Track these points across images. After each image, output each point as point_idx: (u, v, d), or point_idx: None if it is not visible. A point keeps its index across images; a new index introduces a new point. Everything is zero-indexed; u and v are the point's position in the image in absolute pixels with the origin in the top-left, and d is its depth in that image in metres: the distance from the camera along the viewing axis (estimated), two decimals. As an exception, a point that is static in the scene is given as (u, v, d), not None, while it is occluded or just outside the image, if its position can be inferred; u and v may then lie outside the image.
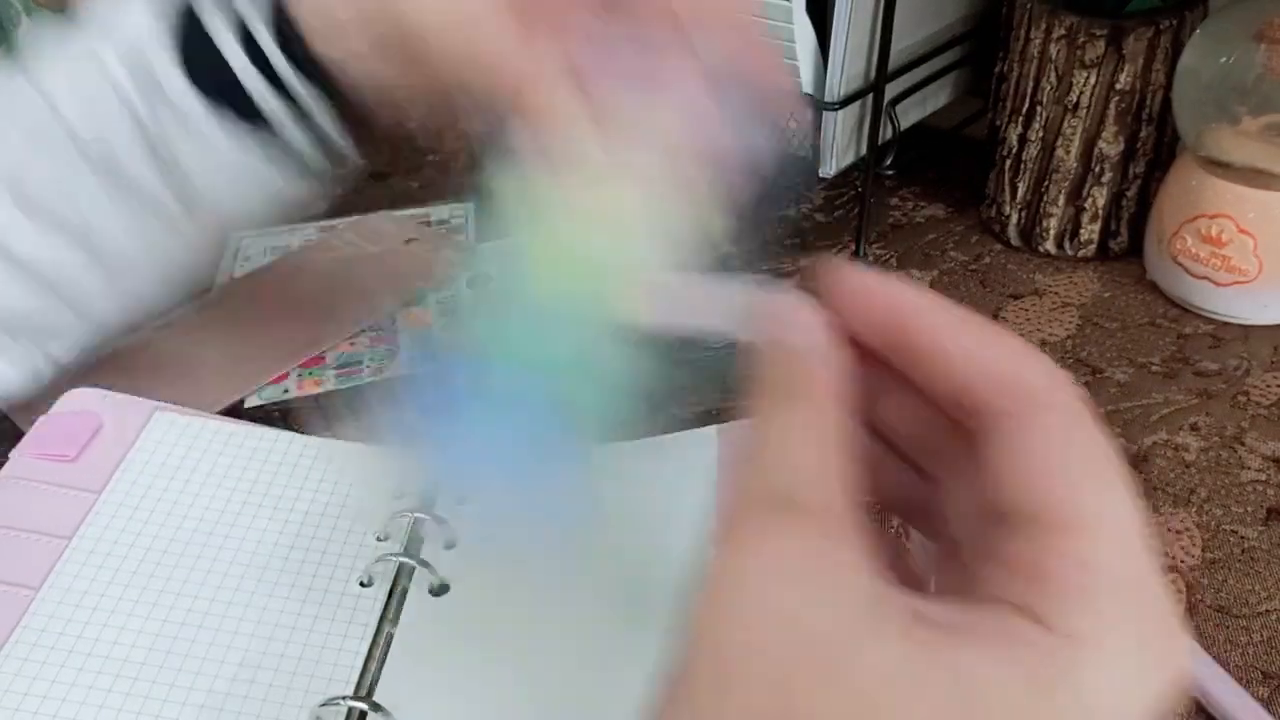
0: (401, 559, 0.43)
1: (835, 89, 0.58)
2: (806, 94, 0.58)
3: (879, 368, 0.21)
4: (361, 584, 0.43)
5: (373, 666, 0.40)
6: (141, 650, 0.40)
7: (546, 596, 0.42)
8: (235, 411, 0.55)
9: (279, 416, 0.55)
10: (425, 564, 0.43)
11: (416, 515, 0.45)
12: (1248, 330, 0.58)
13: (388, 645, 0.41)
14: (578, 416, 0.29)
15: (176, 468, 0.47)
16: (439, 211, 0.71)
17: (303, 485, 0.47)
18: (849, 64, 0.57)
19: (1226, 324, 0.59)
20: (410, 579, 0.43)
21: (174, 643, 0.40)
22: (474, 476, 0.32)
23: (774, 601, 0.18)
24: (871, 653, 0.17)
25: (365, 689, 0.39)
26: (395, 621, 0.42)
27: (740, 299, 0.25)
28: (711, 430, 0.47)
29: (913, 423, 0.22)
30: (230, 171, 0.44)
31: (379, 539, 0.45)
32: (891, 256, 0.65)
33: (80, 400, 0.50)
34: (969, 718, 0.17)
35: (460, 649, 0.41)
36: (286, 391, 0.56)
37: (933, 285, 0.63)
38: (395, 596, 0.43)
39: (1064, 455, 0.19)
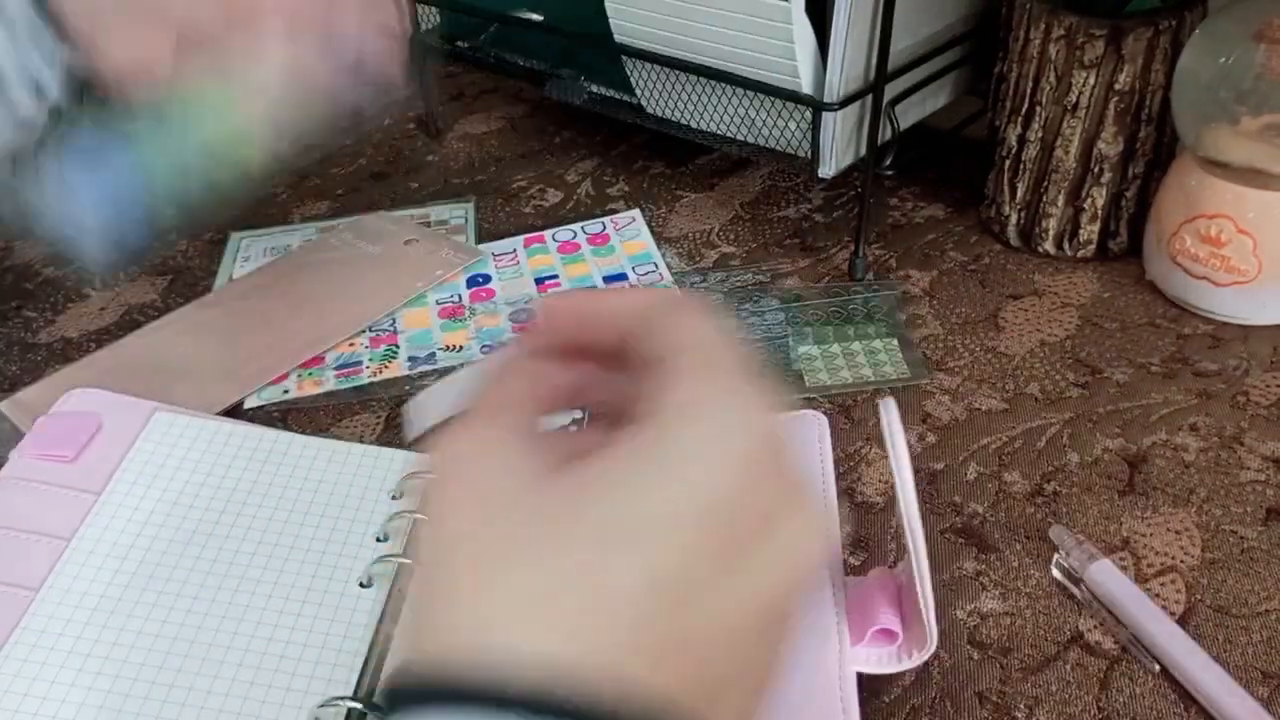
0: (402, 560, 0.43)
1: (835, 89, 0.58)
2: (806, 94, 0.58)
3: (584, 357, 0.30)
4: (361, 585, 0.43)
5: (371, 667, 0.40)
6: (141, 651, 0.40)
7: None
8: (235, 412, 0.55)
9: (279, 417, 0.55)
10: None
11: (416, 516, 0.45)
12: (1247, 330, 0.58)
13: (387, 646, 0.41)
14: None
15: (176, 468, 0.47)
16: (439, 211, 0.72)
17: (302, 485, 0.47)
18: (848, 64, 0.57)
19: (1226, 324, 0.59)
20: (410, 580, 0.43)
21: (173, 643, 0.40)
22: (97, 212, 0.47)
23: (456, 463, 0.27)
24: (506, 479, 0.25)
25: (364, 690, 0.39)
26: (395, 622, 0.42)
27: (467, 376, 0.33)
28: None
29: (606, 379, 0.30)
30: None
31: (379, 539, 0.45)
32: (891, 257, 0.65)
33: (80, 401, 0.50)
34: (581, 503, 0.23)
35: None
36: (286, 392, 0.56)
37: (932, 285, 0.63)
38: (395, 597, 0.43)
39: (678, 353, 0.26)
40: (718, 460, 0.24)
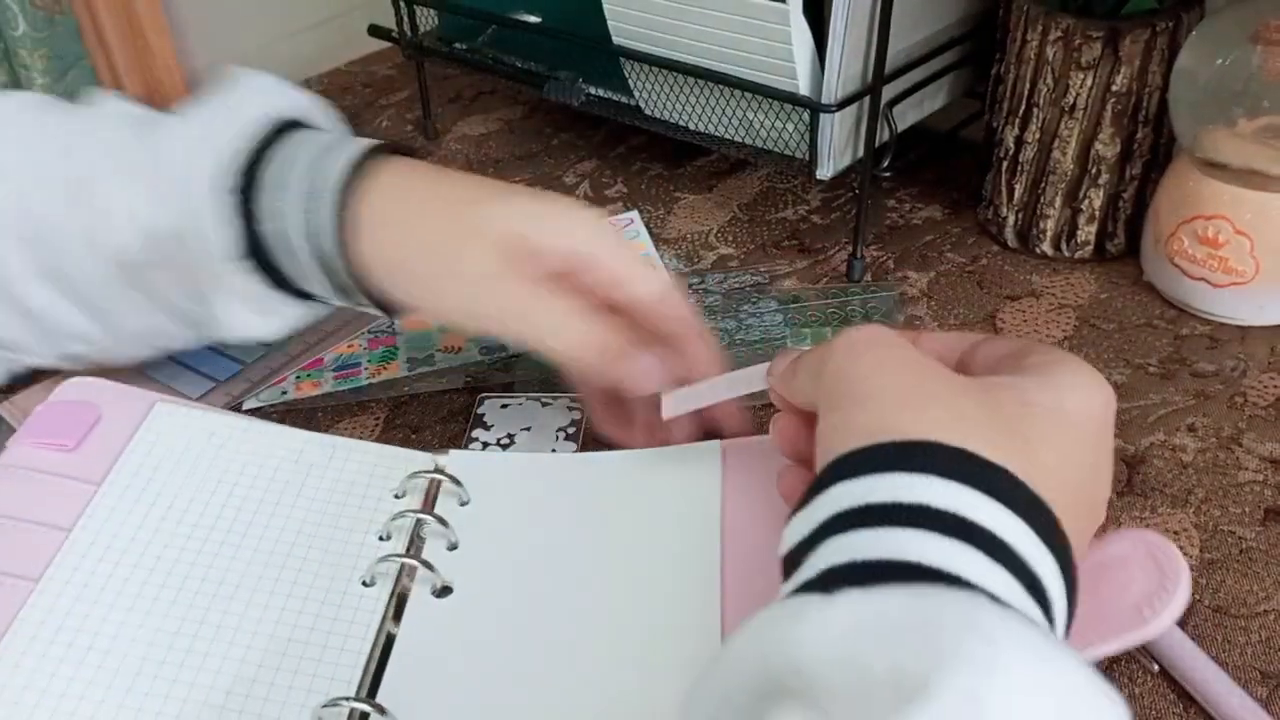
0: (404, 559, 0.43)
1: (832, 91, 0.58)
2: (804, 96, 0.59)
3: None
4: (364, 584, 0.43)
5: (374, 667, 0.40)
6: (141, 645, 0.39)
7: (549, 600, 0.42)
8: (234, 412, 0.55)
9: (277, 418, 0.55)
10: (428, 565, 0.43)
11: (419, 516, 0.45)
12: (1245, 331, 0.58)
13: (389, 646, 0.41)
14: None
15: (178, 461, 0.47)
16: (437, 213, 0.71)
17: (304, 481, 0.47)
18: (846, 66, 0.57)
19: (1223, 325, 0.59)
20: (413, 579, 0.43)
21: (174, 638, 0.40)
22: None
23: (881, 335, 0.36)
24: (921, 360, 0.34)
25: (367, 690, 0.39)
26: (397, 621, 0.42)
27: (730, 379, 0.44)
28: (715, 444, 0.47)
29: None
30: (241, 308, 0.47)
31: (381, 539, 0.45)
32: (889, 258, 0.65)
33: (79, 390, 0.49)
34: (994, 387, 0.34)
35: (463, 651, 0.41)
36: (285, 393, 0.56)
37: (930, 287, 0.63)
38: (397, 597, 0.43)
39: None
40: (1091, 397, 0.34)
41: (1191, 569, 0.45)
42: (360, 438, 0.53)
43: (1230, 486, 0.49)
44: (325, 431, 0.54)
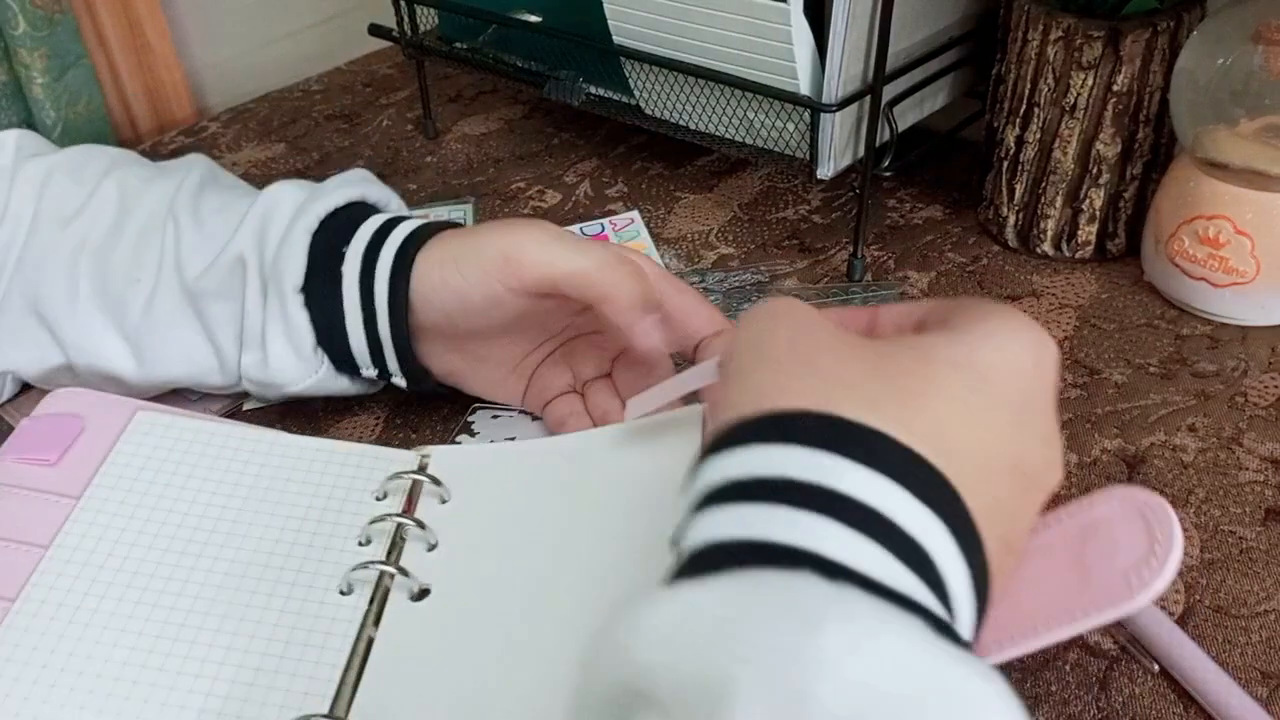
0: (383, 567, 0.42)
1: (833, 91, 0.58)
2: (804, 96, 0.58)
3: None
4: (341, 592, 0.42)
5: (350, 679, 0.39)
6: (115, 665, 0.39)
7: (531, 597, 0.41)
8: (235, 413, 0.55)
9: (278, 418, 0.54)
10: (405, 572, 0.42)
11: (399, 520, 0.44)
12: (1245, 331, 0.58)
13: (366, 654, 0.40)
14: None
15: (157, 471, 0.46)
16: (438, 213, 0.72)
17: (284, 488, 0.46)
18: (846, 66, 0.57)
19: (1224, 325, 0.59)
20: (393, 584, 0.42)
21: (148, 656, 0.39)
22: None
23: (789, 304, 0.34)
24: (828, 327, 0.32)
25: (344, 705, 0.38)
26: (376, 626, 0.41)
27: (680, 379, 0.45)
28: (697, 409, 0.45)
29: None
30: (300, 373, 0.50)
31: (360, 544, 0.44)
32: (889, 258, 0.65)
33: (64, 402, 0.49)
34: (904, 347, 0.32)
35: (440, 655, 0.40)
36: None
37: (930, 286, 0.63)
38: (376, 604, 0.42)
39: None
40: (1017, 342, 0.32)
41: (1192, 569, 0.45)
42: (360, 438, 0.53)
43: (1231, 486, 0.49)
44: (325, 432, 0.54)
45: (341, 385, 0.52)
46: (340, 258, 0.49)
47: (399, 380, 0.51)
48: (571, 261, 0.46)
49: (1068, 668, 0.42)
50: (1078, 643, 0.42)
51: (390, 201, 0.54)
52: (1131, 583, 0.32)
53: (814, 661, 0.22)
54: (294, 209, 0.50)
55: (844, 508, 0.26)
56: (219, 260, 0.50)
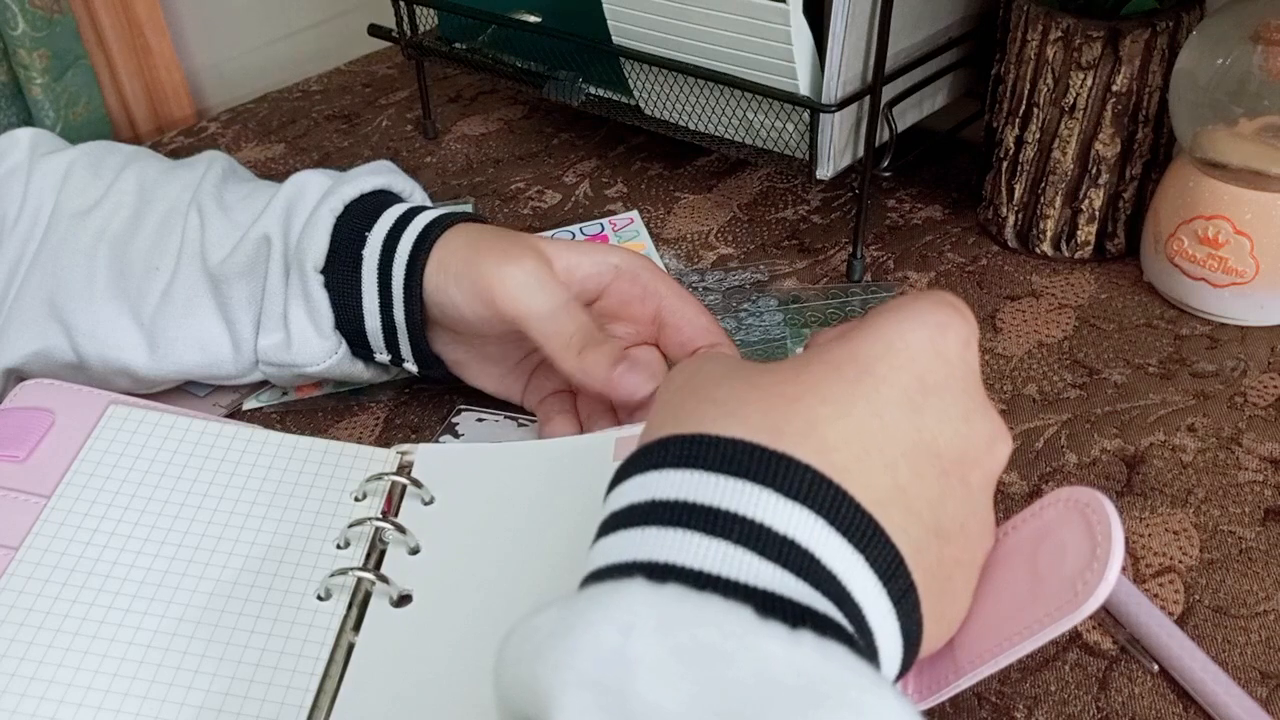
0: (361, 574, 0.41)
1: (832, 91, 0.58)
2: (804, 96, 0.59)
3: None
4: (319, 598, 0.41)
5: (330, 687, 0.39)
6: (87, 674, 0.38)
7: (514, 601, 0.41)
8: (235, 414, 0.55)
9: (278, 419, 0.55)
10: (385, 579, 0.41)
11: (378, 524, 0.43)
12: (1245, 331, 0.58)
13: (346, 660, 0.39)
14: None
15: (130, 468, 0.45)
16: (437, 213, 0.72)
17: (261, 487, 0.45)
18: (846, 66, 0.57)
19: (1223, 325, 0.59)
20: (373, 589, 0.42)
21: (120, 664, 0.38)
22: None
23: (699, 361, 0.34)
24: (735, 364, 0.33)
25: (321, 714, 0.38)
26: (356, 632, 0.40)
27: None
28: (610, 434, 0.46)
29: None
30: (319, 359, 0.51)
31: (339, 546, 0.43)
32: (889, 258, 0.65)
33: (33, 394, 0.47)
34: (805, 361, 0.32)
35: (421, 661, 0.39)
36: (285, 394, 0.56)
37: (930, 287, 0.63)
38: (355, 609, 0.41)
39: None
40: (913, 333, 0.32)
41: (1191, 569, 0.45)
42: (360, 438, 0.53)
43: (1230, 486, 0.49)
44: (325, 432, 0.54)
45: (356, 370, 0.53)
46: (362, 241, 0.50)
47: (410, 366, 0.52)
48: (531, 305, 0.47)
49: (1067, 668, 0.42)
50: (1077, 643, 0.42)
51: (414, 192, 0.55)
52: (1077, 590, 0.30)
53: (626, 664, 0.23)
54: (320, 193, 0.51)
55: (706, 518, 0.27)
56: (244, 240, 0.51)
